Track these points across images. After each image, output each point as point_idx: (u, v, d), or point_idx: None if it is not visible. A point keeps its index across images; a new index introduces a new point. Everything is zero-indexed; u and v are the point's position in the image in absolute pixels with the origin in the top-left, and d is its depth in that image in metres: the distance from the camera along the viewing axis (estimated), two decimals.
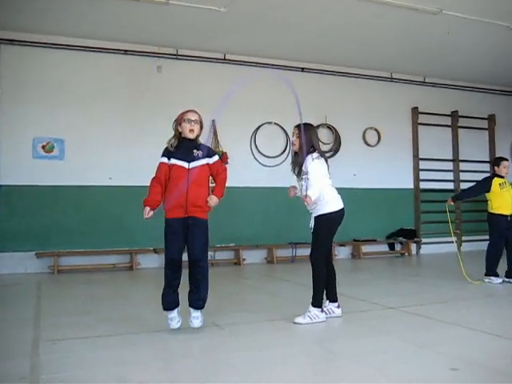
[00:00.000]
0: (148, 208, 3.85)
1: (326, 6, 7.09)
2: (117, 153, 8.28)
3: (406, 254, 10.04)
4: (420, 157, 10.55)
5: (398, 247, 10.12)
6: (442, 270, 7.94)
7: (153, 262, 8.25)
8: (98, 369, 3.13)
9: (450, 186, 10.84)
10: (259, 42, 8.58)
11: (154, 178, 3.96)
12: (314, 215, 4.39)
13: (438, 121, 10.77)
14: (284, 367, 3.16)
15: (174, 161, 3.88)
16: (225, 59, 9.08)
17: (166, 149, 3.98)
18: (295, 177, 4.53)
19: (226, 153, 8.76)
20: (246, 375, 2.99)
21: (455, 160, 10.92)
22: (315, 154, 4.34)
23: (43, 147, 7.95)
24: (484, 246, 10.84)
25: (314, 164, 4.30)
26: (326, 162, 4.41)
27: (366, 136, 10.17)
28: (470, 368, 3.06)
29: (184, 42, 8.51)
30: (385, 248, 10.11)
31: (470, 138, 11.02)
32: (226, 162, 8.72)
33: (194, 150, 3.92)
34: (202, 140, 4.16)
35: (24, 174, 7.78)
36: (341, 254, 9.45)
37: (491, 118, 11.32)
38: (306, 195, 4.15)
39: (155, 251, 8.16)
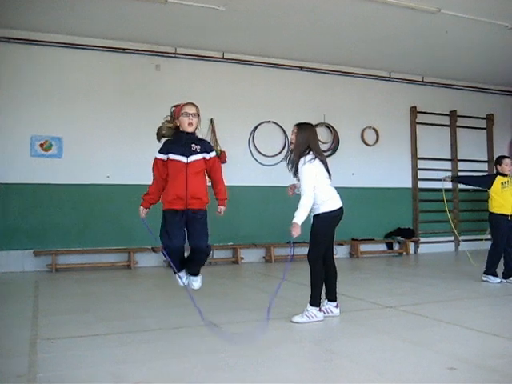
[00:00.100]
0: (142, 208, 3.99)
1: (325, 6, 7.09)
2: (115, 151, 8.28)
3: (404, 253, 10.06)
4: (418, 156, 10.56)
5: (396, 246, 10.13)
6: (439, 269, 7.96)
7: (151, 261, 8.25)
8: (96, 367, 3.13)
9: (449, 185, 10.84)
10: (258, 41, 8.58)
11: (153, 177, 4.03)
12: (312, 214, 4.40)
13: (437, 120, 10.78)
14: (281, 366, 3.16)
15: (172, 156, 3.88)
16: (223, 58, 9.07)
17: (165, 144, 3.98)
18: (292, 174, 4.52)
19: (224, 151, 8.75)
20: (243, 374, 2.99)
21: (453, 159, 10.94)
22: (308, 157, 4.30)
23: (41, 145, 7.94)
24: (482, 245, 11.00)
25: (304, 169, 4.27)
26: (323, 163, 4.38)
27: (365, 135, 10.18)
28: (467, 367, 3.07)
29: (183, 41, 8.50)
30: (383, 247, 10.13)
31: (469, 138, 11.04)
32: (225, 161, 8.73)
33: (193, 145, 3.91)
34: (201, 131, 4.18)
35: (22, 172, 7.77)
36: (339, 253, 9.43)
37: (490, 118, 11.34)
38: (293, 223, 4.15)
39: (153, 250, 8.15)
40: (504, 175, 6.37)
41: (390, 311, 4.71)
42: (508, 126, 11.65)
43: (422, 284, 6.43)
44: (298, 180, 4.39)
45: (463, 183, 6.62)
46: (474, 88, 11.17)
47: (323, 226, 4.34)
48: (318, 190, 4.31)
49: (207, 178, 4.06)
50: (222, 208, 4.07)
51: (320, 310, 4.34)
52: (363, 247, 9.75)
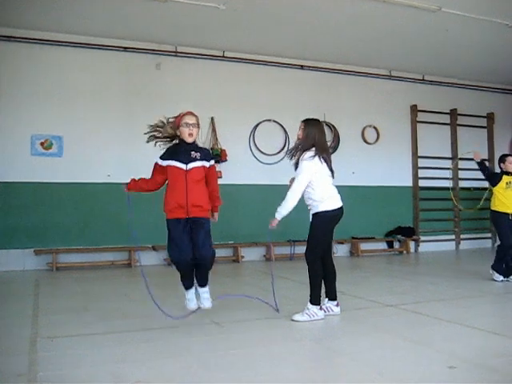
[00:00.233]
0: (124, 186, 4.13)
1: (326, 4, 7.08)
2: (115, 150, 8.27)
3: (405, 251, 10.05)
4: (419, 155, 10.55)
5: (396, 245, 10.13)
6: (440, 267, 7.96)
7: (151, 260, 8.25)
8: (96, 366, 3.13)
9: (449, 184, 10.84)
10: (258, 40, 8.57)
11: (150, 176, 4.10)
12: (311, 212, 4.39)
13: (437, 119, 10.77)
14: (282, 365, 3.16)
15: (171, 162, 3.91)
16: (224, 56, 9.06)
17: (166, 151, 4.01)
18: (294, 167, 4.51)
19: (224, 150, 8.75)
20: (244, 372, 2.99)
21: (454, 158, 10.92)
22: (309, 153, 4.30)
23: (41, 144, 7.94)
24: (482, 243, 11.02)
25: (301, 165, 4.29)
26: (326, 161, 4.37)
27: (365, 134, 10.17)
28: (467, 366, 3.07)
29: (183, 39, 8.49)
30: (383, 246, 10.12)
31: (469, 136, 11.02)
32: (225, 160, 8.73)
33: (192, 152, 3.94)
34: (202, 138, 4.19)
35: (22, 171, 7.77)
36: (339, 251, 9.45)
37: (490, 116, 11.33)
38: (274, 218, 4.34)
39: (154, 248, 8.16)
40: (509, 174, 6.37)
41: (390, 310, 4.71)
42: (508, 124, 11.63)
43: (423, 282, 6.43)
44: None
45: (481, 170, 6.57)
46: (474, 86, 11.16)
47: (322, 224, 4.33)
48: (316, 188, 4.30)
49: None
50: (216, 214, 4.18)
51: (320, 309, 4.34)
52: (364, 246, 9.75)
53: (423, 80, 10.70)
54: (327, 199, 4.32)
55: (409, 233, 10.18)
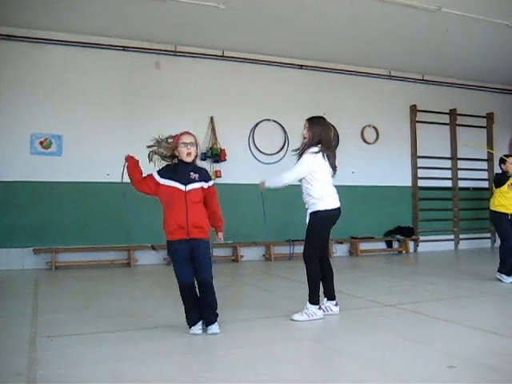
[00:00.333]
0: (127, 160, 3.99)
1: (325, 4, 7.08)
2: (115, 149, 8.23)
3: (404, 251, 10.06)
4: (418, 155, 10.56)
5: (395, 245, 10.13)
6: (439, 267, 7.96)
7: (150, 259, 8.25)
8: (96, 365, 3.13)
9: (448, 183, 10.87)
10: (258, 39, 8.57)
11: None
12: (309, 211, 4.38)
13: (437, 119, 10.77)
14: (281, 364, 3.16)
15: (170, 182, 3.83)
16: (223, 56, 9.06)
17: (166, 169, 3.92)
18: None
19: (223, 150, 8.75)
20: (244, 372, 2.99)
21: (453, 158, 10.94)
22: (314, 149, 4.32)
23: (41, 143, 7.93)
24: (481, 243, 11.04)
25: (304, 157, 4.33)
26: (329, 159, 4.38)
27: (365, 133, 10.17)
28: (467, 365, 3.07)
29: (183, 39, 8.49)
30: (382, 245, 10.13)
31: (469, 136, 11.02)
32: (224, 159, 8.73)
33: (191, 173, 3.88)
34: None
35: (22, 170, 7.77)
36: (338, 251, 9.46)
37: (489, 116, 11.33)
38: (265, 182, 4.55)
39: (153, 248, 8.16)
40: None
41: (389, 309, 4.71)
42: (508, 124, 11.64)
43: (422, 282, 6.44)
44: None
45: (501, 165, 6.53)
46: (474, 86, 11.17)
47: (320, 224, 4.33)
48: (315, 185, 4.30)
49: None
50: (221, 234, 4.17)
51: (319, 308, 4.35)
52: (363, 245, 9.75)
53: (423, 80, 10.70)
54: (326, 198, 4.32)
55: (408, 233, 10.19)
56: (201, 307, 3.90)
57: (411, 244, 10.30)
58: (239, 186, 8.91)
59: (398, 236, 10.07)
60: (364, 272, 7.59)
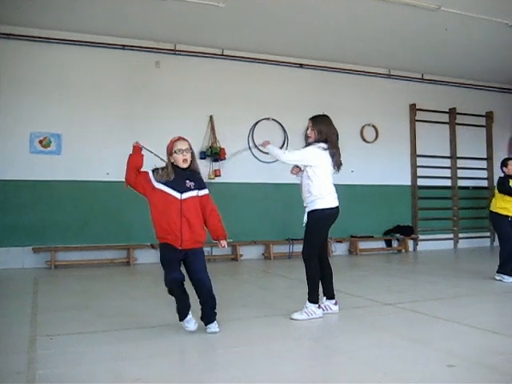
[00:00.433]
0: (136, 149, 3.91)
1: (325, 3, 7.08)
2: (114, 148, 8.25)
3: (403, 250, 10.06)
4: (417, 154, 10.55)
5: (395, 244, 10.13)
6: (438, 266, 7.97)
7: (150, 258, 8.25)
8: (95, 364, 3.13)
9: (448, 182, 10.87)
10: (257, 38, 8.57)
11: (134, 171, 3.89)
12: (307, 210, 4.38)
13: (436, 118, 10.77)
14: (280, 363, 3.16)
15: (165, 188, 3.75)
16: (223, 55, 9.06)
17: (160, 173, 3.80)
18: None
19: (223, 148, 8.75)
20: (242, 371, 2.99)
21: (453, 157, 10.94)
22: (323, 145, 4.33)
23: (40, 142, 7.93)
24: (480, 242, 11.04)
25: (311, 147, 4.35)
26: (335, 157, 4.38)
27: (364, 132, 10.17)
28: (466, 364, 3.08)
29: (182, 38, 8.49)
30: (382, 244, 10.13)
31: (468, 135, 11.03)
32: (224, 158, 8.73)
33: (187, 181, 3.80)
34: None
35: (21, 169, 7.77)
36: (338, 250, 9.46)
37: (489, 116, 11.34)
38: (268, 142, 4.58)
39: (152, 246, 8.15)
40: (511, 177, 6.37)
41: (388, 308, 4.72)
42: (507, 123, 11.64)
43: (421, 281, 6.44)
44: (305, 166, 4.40)
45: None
46: (473, 86, 11.17)
47: (318, 222, 4.33)
48: (316, 181, 4.30)
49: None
50: (224, 242, 3.92)
51: (319, 307, 4.35)
52: (362, 244, 9.76)
53: (422, 79, 10.70)
54: (325, 196, 4.31)
55: (407, 231, 10.19)
56: (201, 305, 3.89)
57: (410, 243, 10.31)
58: (238, 185, 8.92)
59: (398, 235, 10.07)
60: (363, 271, 7.60)
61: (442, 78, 10.81)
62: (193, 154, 3.90)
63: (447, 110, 10.92)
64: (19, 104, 7.83)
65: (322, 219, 4.34)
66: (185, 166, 3.84)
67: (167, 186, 3.75)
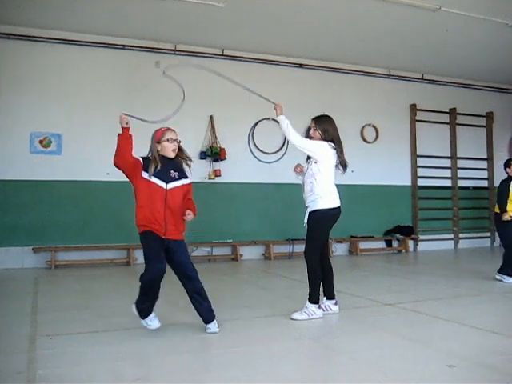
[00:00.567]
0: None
1: (325, 3, 7.08)
2: (114, 148, 8.23)
3: (403, 250, 10.06)
4: (418, 154, 10.55)
5: (395, 244, 10.13)
6: (438, 266, 7.97)
7: None
8: (95, 364, 3.13)
9: (448, 182, 10.87)
10: (257, 38, 8.57)
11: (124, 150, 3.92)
12: (309, 210, 4.38)
13: (436, 118, 10.77)
14: (281, 363, 3.16)
15: (151, 178, 3.75)
16: (223, 55, 9.06)
17: (148, 163, 3.79)
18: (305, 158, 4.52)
19: (223, 149, 8.75)
20: (242, 371, 2.99)
21: (453, 157, 10.93)
22: (331, 143, 4.34)
23: (40, 142, 7.93)
24: (481, 243, 11.04)
25: (321, 142, 4.34)
26: (339, 156, 4.38)
27: (364, 133, 10.17)
28: (466, 364, 3.07)
29: (182, 38, 8.49)
30: (382, 245, 10.12)
31: (468, 136, 11.03)
32: (224, 158, 8.73)
33: (172, 171, 3.81)
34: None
35: (21, 169, 7.77)
36: (338, 250, 9.46)
37: (489, 116, 11.33)
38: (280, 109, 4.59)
39: None
40: None
41: (388, 308, 4.71)
42: (508, 124, 11.64)
43: (421, 281, 6.44)
44: (309, 163, 4.39)
45: (503, 204, 6.45)
46: (473, 86, 11.17)
47: (320, 222, 4.33)
48: (319, 180, 4.29)
49: None
50: (190, 212, 3.77)
51: (319, 307, 4.35)
52: (362, 244, 9.75)
53: (422, 79, 10.70)
54: (327, 195, 4.31)
55: (408, 232, 10.19)
56: (195, 306, 3.86)
57: (411, 243, 10.30)
58: (239, 185, 8.91)
59: (398, 235, 10.07)
60: (363, 271, 7.59)
61: (442, 78, 10.81)
62: (180, 145, 3.91)
63: (447, 110, 10.92)
64: (19, 104, 7.83)
65: (325, 219, 4.34)
66: (173, 155, 3.86)
67: (154, 175, 3.76)
